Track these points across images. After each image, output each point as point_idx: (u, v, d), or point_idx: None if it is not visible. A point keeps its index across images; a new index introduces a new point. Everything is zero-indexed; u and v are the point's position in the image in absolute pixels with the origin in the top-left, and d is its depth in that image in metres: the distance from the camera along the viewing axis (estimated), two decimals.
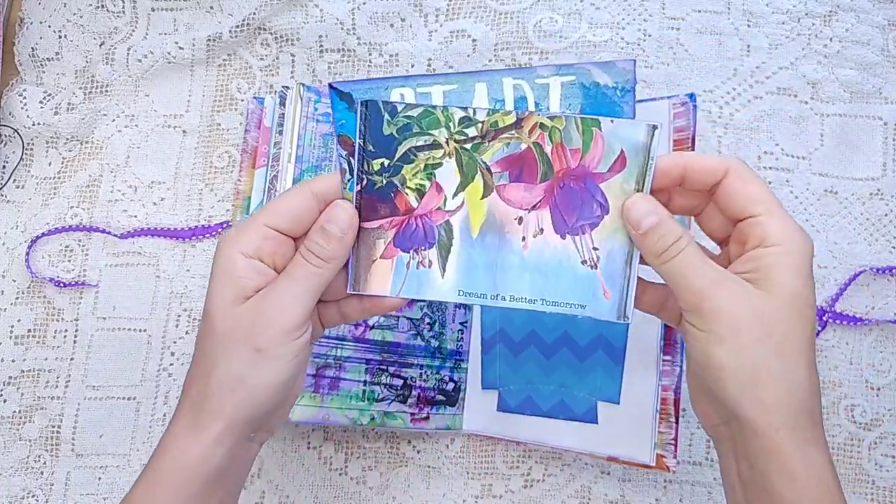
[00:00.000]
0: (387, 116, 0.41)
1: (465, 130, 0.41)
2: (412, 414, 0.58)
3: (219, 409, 0.40)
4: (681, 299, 0.40)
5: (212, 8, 0.64)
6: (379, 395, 0.57)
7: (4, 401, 0.61)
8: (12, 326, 0.62)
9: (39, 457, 0.60)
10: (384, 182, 0.42)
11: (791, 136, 0.61)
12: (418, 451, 0.60)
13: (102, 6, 0.65)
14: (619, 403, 0.55)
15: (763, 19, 0.62)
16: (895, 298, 0.59)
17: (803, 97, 0.61)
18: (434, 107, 0.41)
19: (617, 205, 0.41)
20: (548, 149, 0.41)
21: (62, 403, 0.61)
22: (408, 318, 0.58)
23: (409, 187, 0.42)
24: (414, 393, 0.58)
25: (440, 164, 0.41)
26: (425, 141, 0.41)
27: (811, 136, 0.61)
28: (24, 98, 0.63)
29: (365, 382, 0.57)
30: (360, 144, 0.41)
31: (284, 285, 0.40)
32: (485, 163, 0.41)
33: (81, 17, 0.65)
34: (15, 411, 0.61)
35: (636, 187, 0.41)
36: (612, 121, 0.40)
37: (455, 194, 0.42)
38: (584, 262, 0.42)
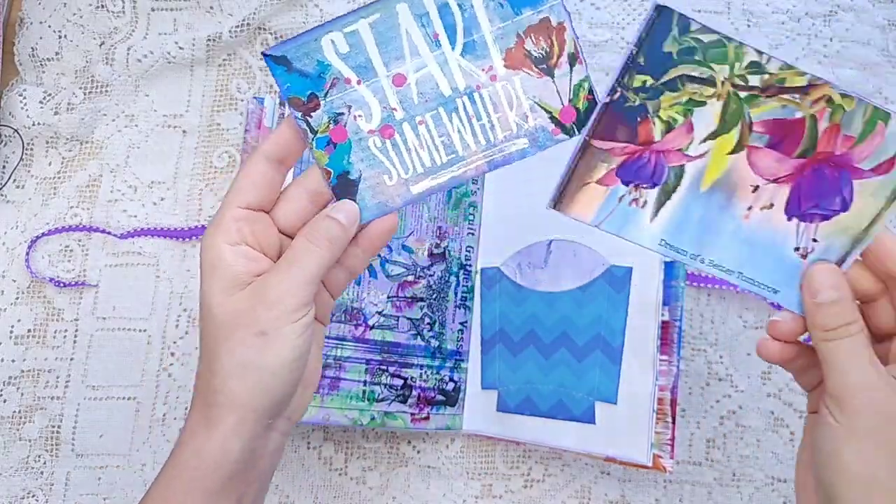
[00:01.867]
0: (675, 32, 0.37)
1: (749, 77, 0.37)
2: (412, 414, 0.58)
3: (229, 401, 0.38)
4: (828, 383, 0.38)
5: (212, 8, 0.64)
6: (379, 395, 0.57)
7: (4, 401, 0.61)
8: (12, 326, 0.62)
9: (39, 457, 0.60)
10: (637, 103, 0.38)
11: None
12: (418, 451, 0.60)
13: (102, 6, 0.64)
14: (616, 403, 0.55)
15: (763, 19, 0.62)
16: None
17: None
18: (730, 39, 0.37)
19: (860, 207, 0.38)
20: (822, 126, 0.38)
21: (62, 403, 0.61)
22: (408, 318, 0.58)
23: (659, 117, 0.38)
24: (414, 393, 0.58)
25: (703, 104, 0.38)
26: (701, 73, 0.38)
27: None
28: (24, 98, 0.63)
29: (365, 382, 0.57)
30: (632, 52, 0.38)
31: (286, 269, 0.39)
32: (750, 118, 0.38)
33: (81, 17, 0.64)
34: (15, 411, 0.61)
35: (889, 198, 0.38)
36: None
37: (703, 140, 0.38)
38: (797, 248, 0.39)
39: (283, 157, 0.41)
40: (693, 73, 0.37)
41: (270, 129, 0.60)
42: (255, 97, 0.63)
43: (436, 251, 0.59)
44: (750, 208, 0.39)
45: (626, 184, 0.39)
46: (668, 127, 0.38)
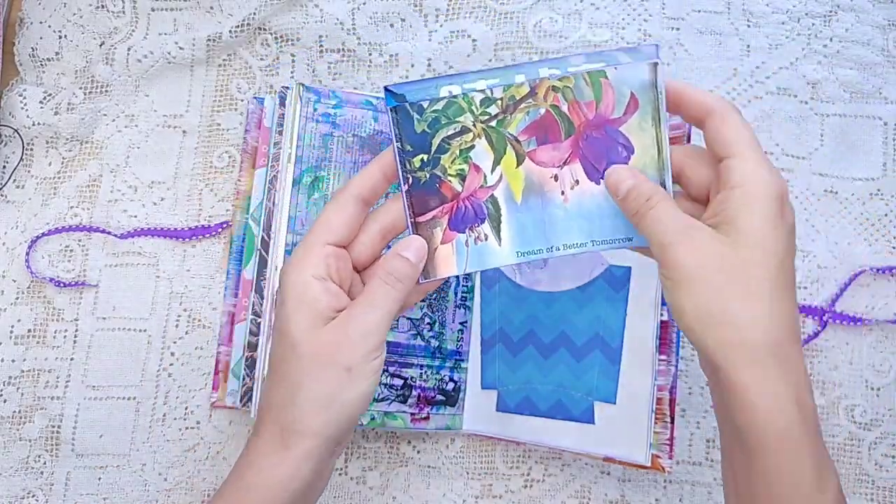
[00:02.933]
0: (416, 116, 0.44)
1: (488, 110, 0.44)
2: (412, 414, 0.58)
3: (307, 428, 0.42)
4: (653, 253, 0.42)
5: (212, 8, 0.64)
6: (379, 395, 0.57)
7: (4, 401, 0.61)
8: (12, 326, 0.62)
9: (39, 457, 0.60)
10: (427, 176, 0.45)
11: (791, 136, 0.61)
12: (418, 451, 0.60)
13: (102, 6, 0.65)
14: (615, 403, 0.55)
15: (763, 19, 0.62)
16: (895, 298, 0.59)
17: (803, 97, 0.61)
18: (455, 96, 0.44)
19: (640, 143, 0.44)
20: (564, 107, 0.44)
21: (62, 403, 0.61)
22: (408, 319, 0.58)
23: (450, 175, 0.45)
24: (414, 393, 0.58)
25: (472, 147, 0.44)
26: (454, 129, 0.44)
27: (811, 136, 0.61)
28: (24, 98, 0.63)
29: None
30: (397, 147, 0.44)
31: (367, 309, 0.43)
32: (512, 134, 0.44)
33: (81, 17, 0.65)
34: (15, 411, 0.61)
35: (653, 123, 0.43)
36: (615, 68, 0.43)
37: (493, 170, 0.45)
38: None
39: (371, 197, 0.45)
40: (450, 133, 0.44)
41: (270, 129, 0.60)
42: (255, 97, 0.63)
43: None
44: (563, 193, 0.45)
45: (462, 231, 0.45)
46: (462, 177, 0.45)
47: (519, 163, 0.44)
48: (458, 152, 0.45)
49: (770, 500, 0.39)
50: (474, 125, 0.44)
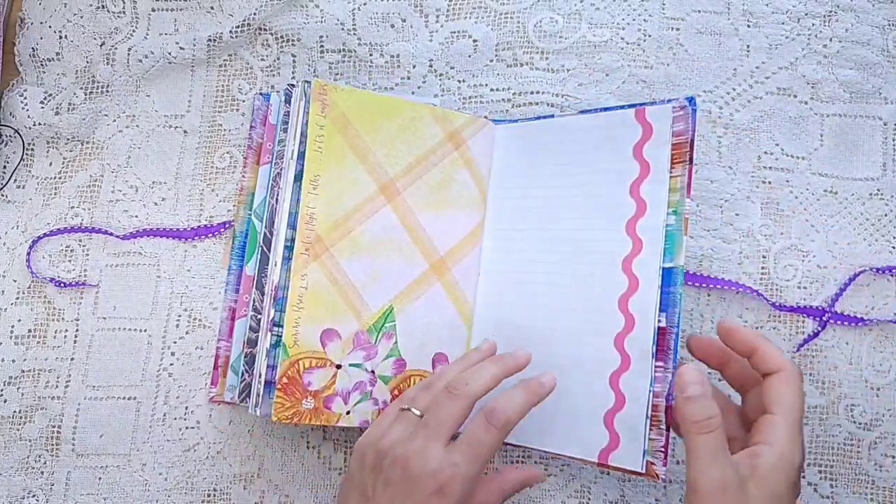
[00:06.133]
0: None
1: None
2: None
3: None
4: (689, 474, 0.45)
5: (212, 8, 0.64)
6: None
7: (5, 401, 0.61)
8: (13, 326, 0.62)
9: (40, 457, 0.60)
10: None
11: (791, 136, 0.61)
12: None
13: (103, 6, 0.65)
14: None
15: (763, 19, 0.62)
16: (895, 298, 0.59)
17: (803, 97, 0.61)
18: None
19: None
20: None
21: (62, 403, 0.61)
22: None
23: None
24: None
25: None
26: None
27: (811, 136, 0.61)
28: (25, 98, 0.64)
29: None
30: None
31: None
32: None
33: (82, 17, 0.65)
34: (15, 411, 0.61)
35: None
36: None
37: None
38: None
39: None
40: None
41: (276, 127, 0.60)
42: (260, 93, 0.63)
43: None
44: None
45: None
46: None
47: None
48: None
49: None
50: None
